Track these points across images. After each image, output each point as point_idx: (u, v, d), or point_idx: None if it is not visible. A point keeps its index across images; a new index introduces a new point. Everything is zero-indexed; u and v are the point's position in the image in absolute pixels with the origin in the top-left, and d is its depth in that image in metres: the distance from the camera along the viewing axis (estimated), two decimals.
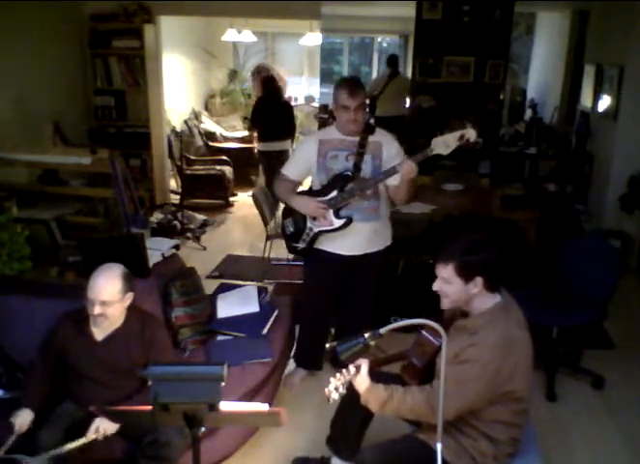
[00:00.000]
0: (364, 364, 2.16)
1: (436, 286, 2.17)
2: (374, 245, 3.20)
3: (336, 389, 2.09)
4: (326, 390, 2.08)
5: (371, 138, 3.06)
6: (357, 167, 3.03)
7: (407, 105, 8.02)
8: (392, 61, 8.07)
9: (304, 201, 3.10)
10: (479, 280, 2.09)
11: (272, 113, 6.14)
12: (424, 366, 2.28)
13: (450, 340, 2.17)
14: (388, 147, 3.09)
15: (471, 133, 2.73)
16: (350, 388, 2.43)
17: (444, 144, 2.76)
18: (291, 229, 3.23)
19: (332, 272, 3.23)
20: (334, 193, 3.04)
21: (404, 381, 2.32)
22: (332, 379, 2.09)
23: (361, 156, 3.03)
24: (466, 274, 2.08)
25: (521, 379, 2.09)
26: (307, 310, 3.38)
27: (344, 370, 2.13)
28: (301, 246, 3.21)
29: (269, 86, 6.25)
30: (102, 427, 2.23)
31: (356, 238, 3.12)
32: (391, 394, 2.13)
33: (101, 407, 2.17)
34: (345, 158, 3.05)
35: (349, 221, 3.05)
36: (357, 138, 3.04)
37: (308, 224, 3.15)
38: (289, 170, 3.20)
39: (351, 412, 2.52)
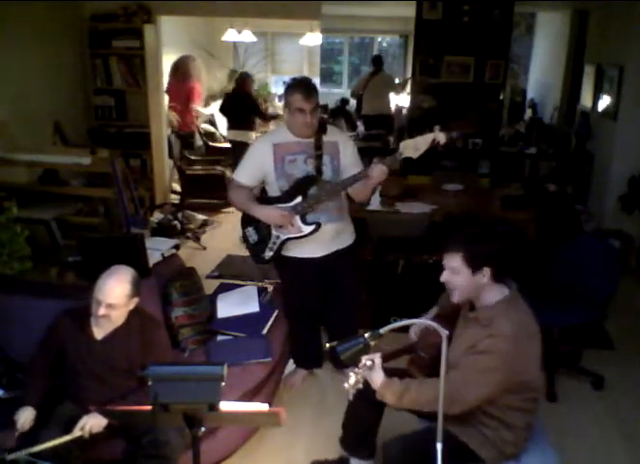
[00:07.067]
0: (378, 358, 2.12)
1: (444, 277, 2.17)
2: (342, 241, 3.13)
3: (356, 383, 2.03)
4: (346, 384, 2.02)
5: (326, 138, 2.98)
6: (318, 171, 2.94)
7: (391, 102, 8.08)
8: (377, 60, 8.20)
9: (267, 211, 2.93)
10: (487, 271, 2.10)
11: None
12: (432, 358, 2.28)
13: (463, 331, 2.19)
14: (344, 146, 3.03)
15: (441, 137, 2.70)
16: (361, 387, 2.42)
17: (414, 147, 2.71)
18: (255, 238, 3.07)
19: (307, 274, 3.13)
20: (299, 199, 2.91)
21: (411, 375, 2.32)
22: (351, 374, 2.03)
23: (320, 158, 2.95)
24: (474, 263, 2.09)
25: (535, 368, 2.12)
26: (292, 313, 3.28)
27: (361, 364, 2.06)
28: (268, 255, 3.05)
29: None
30: (89, 424, 2.22)
31: (323, 239, 3.02)
32: (407, 386, 2.12)
33: (100, 406, 2.17)
34: (304, 161, 2.95)
35: (318, 226, 2.95)
36: (311, 140, 2.96)
37: (274, 232, 3.00)
38: (242, 176, 3.01)
39: (362, 410, 2.48)
